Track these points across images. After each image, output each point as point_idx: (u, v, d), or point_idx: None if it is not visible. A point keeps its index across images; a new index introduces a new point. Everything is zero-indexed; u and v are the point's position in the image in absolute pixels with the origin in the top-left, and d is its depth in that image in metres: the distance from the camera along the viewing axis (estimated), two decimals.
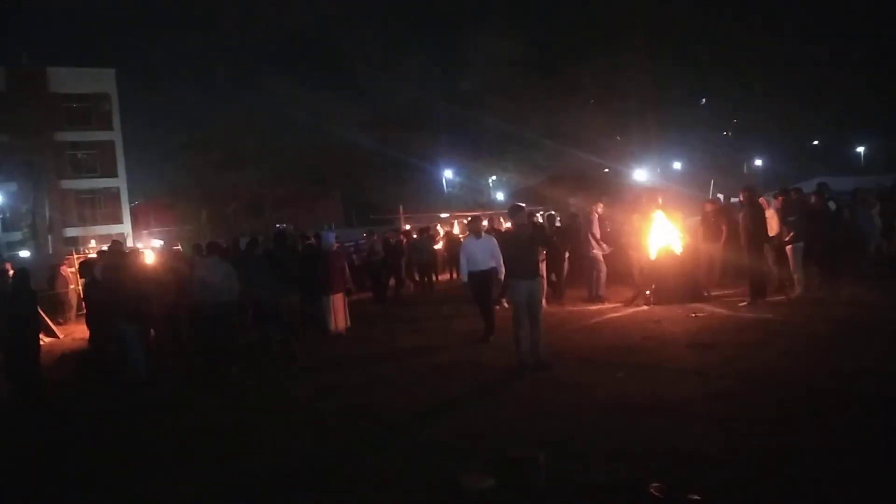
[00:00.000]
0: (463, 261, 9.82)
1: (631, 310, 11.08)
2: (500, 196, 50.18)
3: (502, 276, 9.32)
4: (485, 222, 13.23)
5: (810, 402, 5.72)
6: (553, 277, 12.53)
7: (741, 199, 11.04)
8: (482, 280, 9.53)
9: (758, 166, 49.70)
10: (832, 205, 11.15)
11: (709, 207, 12.55)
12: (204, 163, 46.24)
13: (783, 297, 10.55)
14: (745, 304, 10.31)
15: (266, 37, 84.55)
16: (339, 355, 9.75)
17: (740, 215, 10.92)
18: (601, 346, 8.64)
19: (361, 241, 20.29)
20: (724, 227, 11.74)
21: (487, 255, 9.49)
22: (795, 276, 10.71)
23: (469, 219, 10.73)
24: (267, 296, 9.54)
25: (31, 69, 42.36)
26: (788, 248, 10.71)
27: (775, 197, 11.89)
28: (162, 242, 19.24)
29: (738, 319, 9.54)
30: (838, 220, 11.19)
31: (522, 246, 7.97)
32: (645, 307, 11.07)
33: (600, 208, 12.71)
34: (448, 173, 54.59)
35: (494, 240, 9.77)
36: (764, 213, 10.80)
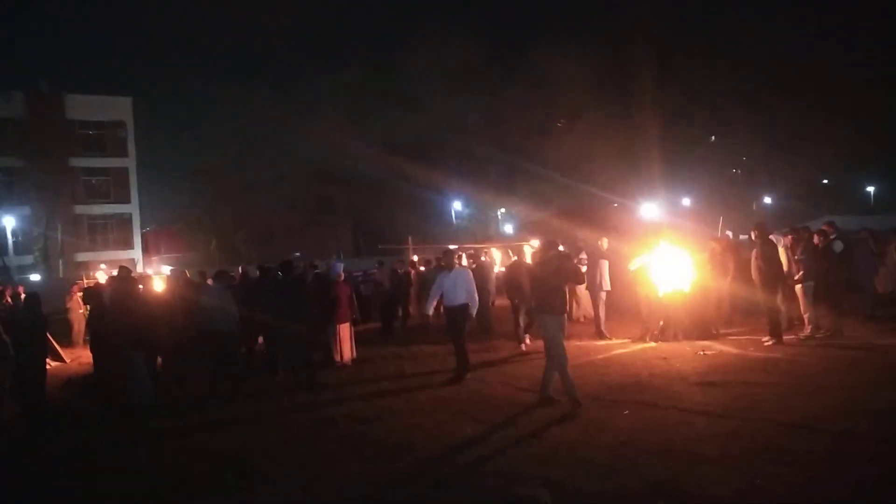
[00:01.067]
0: (433, 294, 9.63)
1: (639, 346, 11.01)
2: (508, 228, 50.26)
3: (474, 312, 9.48)
4: (494, 255, 13.15)
5: (819, 442, 5.65)
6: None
7: (753, 235, 10.95)
8: (455, 315, 9.32)
9: (767, 204, 49.64)
10: (839, 244, 11.07)
11: (714, 245, 12.50)
12: (215, 191, 46.67)
13: (793, 336, 10.47)
14: (769, 342, 10.18)
15: (278, 68, 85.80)
16: (344, 385, 9.70)
17: (752, 253, 10.84)
18: (608, 383, 8.56)
19: (371, 271, 20.32)
20: (731, 265, 11.71)
21: (461, 290, 9.30)
22: (806, 316, 10.64)
23: (445, 251, 10.73)
24: (275, 324, 9.56)
25: (48, 95, 43.14)
26: (798, 286, 10.66)
27: (784, 235, 11.87)
28: (171, 269, 19.33)
29: (746, 358, 9.45)
30: (843, 260, 11.08)
31: (551, 281, 7.71)
32: (653, 344, 10.99)
33: (606, 243, 12.65)
34: (457, 205, 54.82)
35: (469, 273, 9.73)
36: (777, 251, 10.70)
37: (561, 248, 8.43)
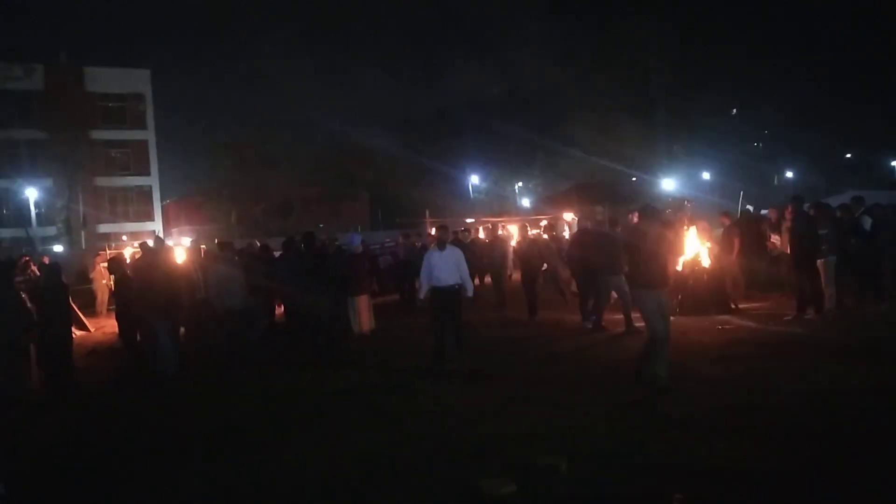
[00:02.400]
0: (423, 275, 8.86)
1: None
2: (525, 202, 50.06)
3: (470, 293, 8.84)
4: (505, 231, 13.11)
5: (837, 416, 5.66)
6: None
7: (789, 210, 10.70)
8: (446, 298, 8.59)
9: (789, 178, 49.03)
10: (867, 220, 10.91)
11: (725, 220, 12.43)
12: (234, 163, 46.84)
13: (813, 313, 10.40)
14: (789, 318, 10.11)
15: (298, 39, 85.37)
16: (363, 356, 9.83)
17: (784, 227, 10.66)
18: (626, 357, 8.59)
19: (388, 244, 20.45)
20: (735, 241, 11.61)
21: (452, 269, 8.59)
22: (827, 291, 10.54)
23: (437, 227, 9.90)
24: (296, 295, 9.66)
25: (68, 68, 43.33)
26: (820, 261, 10.53)
27: (772, 209, 11.79)
28: (192, 240, 19.51)
29: (765, 333, 9.44)
30: (871, 236, 10.93)
31: (651, 251, 6.83)
32: (671, 318, 10.97)
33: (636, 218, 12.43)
34: (474, 179, 54.61)
35: (460, 252, 9.00)
36: (813, 227, 10.37)
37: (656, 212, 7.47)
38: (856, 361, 7.46)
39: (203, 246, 16.40)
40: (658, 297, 6.85)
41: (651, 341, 6.84)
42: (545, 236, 14.89)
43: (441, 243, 8.85)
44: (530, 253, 12.87)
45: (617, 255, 8.98)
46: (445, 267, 8.59)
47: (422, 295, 9.01)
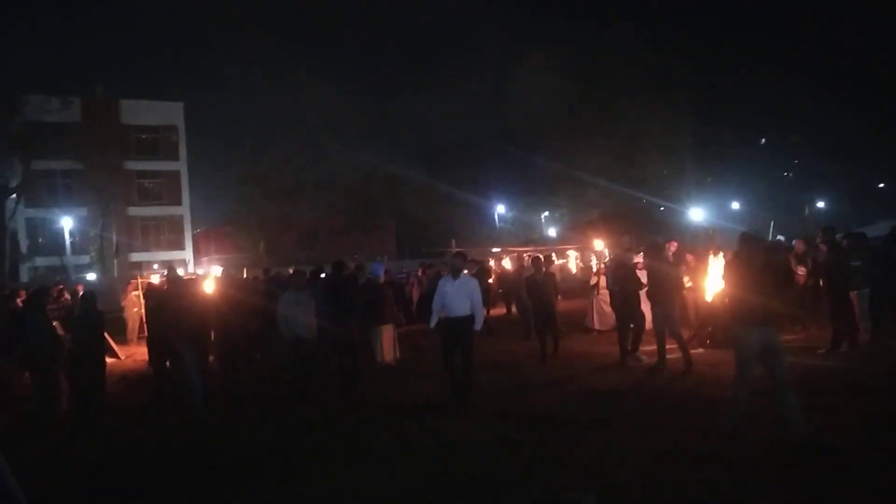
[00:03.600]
0: (435, 305, 8.53)
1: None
2: (552, 232, 49.95)
3: (478, 326, 8.38)
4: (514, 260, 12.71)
5: (870, 453, 5.50)
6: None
7: (820, 241, 10.55)
8: (458, 329, 8.19)
9: (819, 208, 48.38)
10: None
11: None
12: (262, 194, 47.51)
13: (848, 346, 10.16)
14: (822, 351, 9.87)
15: (326, 70, 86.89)
16: (389, 385, 9.80)
17: (817, 259, 10.50)
18: (655, 389, 8.49)
19: (400, 275, 20.60)
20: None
21: (464, 299, 8.24)
22: (861, 324, 10.31)
23: (454, 254, 9.55)
24: (325, 325, 9.59)
25: (104, 100, 44.56)
26: (853, 294, 10.31)
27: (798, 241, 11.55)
28: (222, 269, 19.74)
29: (799, 366, 9.21)
30: None
31: (757, 282, 6.08)
32: (700, 350, 10.81)
33: (674, 248, 12.25)
34: (501, 208, 54.73)
35: (475, 281, 8.73)
36: (848, 259, 10.16)
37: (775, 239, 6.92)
38: (887, 397, 7.26)
39: (266, 273, 16.56)
40: (762, 335, 6.04)
41: (735, 386, 6.24)
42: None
43: (455, 271, 8.52)
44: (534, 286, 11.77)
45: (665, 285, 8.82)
46: (458, 296, 8.27)
47: (432, 324, 8.69)
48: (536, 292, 11.49)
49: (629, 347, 10.44)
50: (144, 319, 13.09)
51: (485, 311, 9.54)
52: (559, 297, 12.33)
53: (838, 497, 4.76)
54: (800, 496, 4.80)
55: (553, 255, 23.23)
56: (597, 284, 13.89)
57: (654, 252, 10.36)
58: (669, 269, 10.26)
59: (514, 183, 52.31)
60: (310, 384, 9.27)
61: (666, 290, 9.87)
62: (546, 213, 52.94)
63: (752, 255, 6.31)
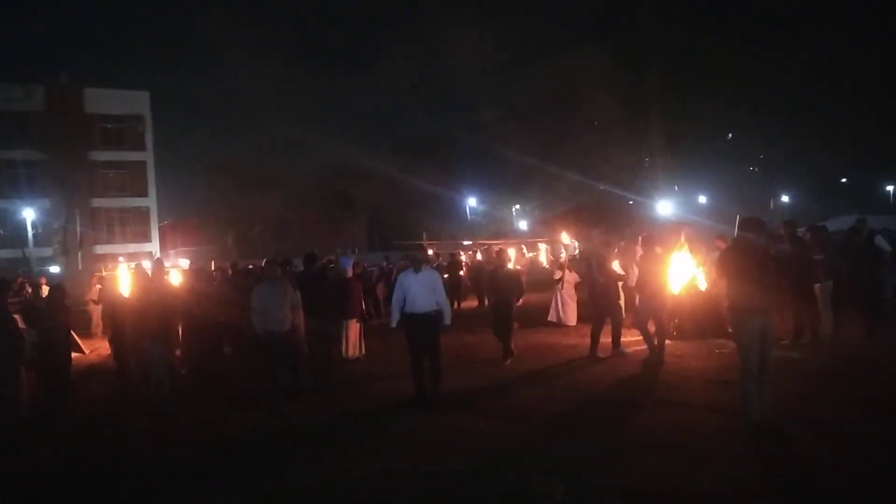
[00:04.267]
0: (396, 301, 8.08)
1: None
2: (523, 225, 50.17)
3: (448, 321, 8.00)
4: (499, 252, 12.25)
5: (835, 440, 5.63)
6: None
7: (782, 234, 10.70)
8: (422, 326, 7.83)
9: (784, 202, 49.28)
10: (880, 240, 10.77)
11: (721, 244, 12.39)
12: (231, 185, 46.97)
13: (811, 338, 10.37)
14: (785, 342, 10.03)
15: (296, 61, 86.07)
16: (355, 379, 9.77)
17: (780, 252, 10.61)
18: (623, 380, 8.59)
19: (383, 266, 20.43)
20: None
21: (429, 294, 7.84)
22: (824, 316, 10.51)
23: (413, 246, 9.17)
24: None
25: (68, 89, 43.52)
26: (817, 286, 10.51)
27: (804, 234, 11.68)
28: (189, 262, 19.46)
29: None
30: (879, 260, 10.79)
31: (758, 270, 6.01)
32: (667, 342, 10.94)
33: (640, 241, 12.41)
34: (472, 201, 54.80)
35: (437, 274, 8.33)
36: (810, 251, 10.35)
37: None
38: (849, 385, 7.44)
39: (233, 266, 16.28)
40: (763, 323, 6.00)
41: (743, 375, 6.12)
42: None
43: (417, 264, 8.09)
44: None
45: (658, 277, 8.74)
46: (421, 291, 7.84)
47: (393, 323, 8.13)
48: (495, 289, 10.80)
49: (612, 342, 10.36)
50: (105, 314, 12.83)
51: (456, 305, 9.34)
52: (523, 293, 11.61)
53: (794, 482, 4.86)
54: (761, 482, 4.89)
55: (524, 247, 23.45)
56: (561, 279, 13.86)
57: (648, 244, 10.22)
58: (662, 261, 10.16)
59: (485, 176, 52.44)
60: (283, 379, 9.11)
61: (659, 283, 9.85)
62: (517, 207, 53.16)
63: (754, 241, 6.19)
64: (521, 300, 11.24)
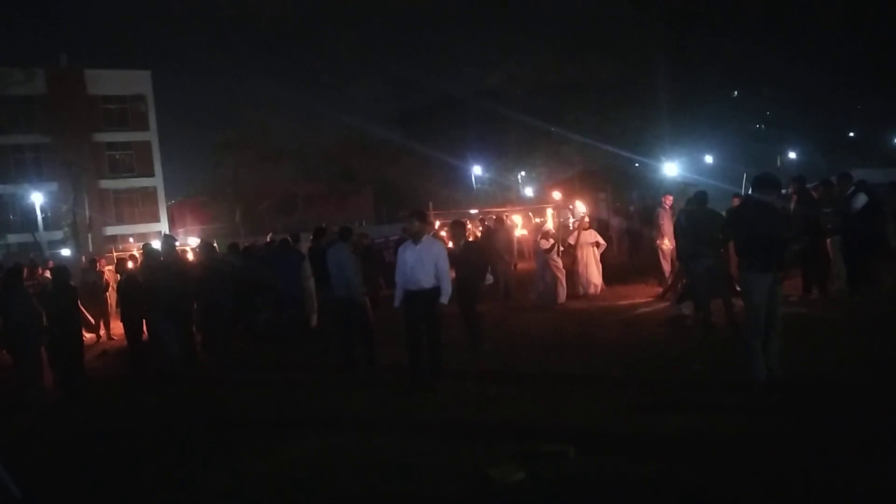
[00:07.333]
0: (398, 278, 7.34)
1: (663, 304, 11.02)
2: (529, 192, 50.00)
3: (444, 299, 7.19)
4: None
5: (840, 395, 5.70)
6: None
7: (790, 191, 10.64)
8: (421, 303, 7.11)
9: (792, 159, 48.80)
10: (863, 197, 10.70)
11: (736, 202, 12.32)
12: (237, 161, 46.99)
13: (819, 294, 10.37)
14: (793, 298, 9.93)
15: (298, 32, 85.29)
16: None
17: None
18: (635, 342, 8.65)
19: (393, 238, 20.43)
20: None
21: (429, 268, 7.06)
22: (834, 270, 10.48)
23: (410, 212, 8.05)
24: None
25: (69, 71, 43.44)
26: (828, 241, 10.43)
27: (814, 189, 11.60)
28: (199, 240, 19.51)
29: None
30: (866, 216, 10.72)
31: (765, 229, 5.91)
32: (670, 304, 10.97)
33: (669, 201, 12.49)
34: (477, 169, 54.57)
35: (441, 245, 7.50)
36: (819, 208, 10.24)
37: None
38: (862, 340, 7.49)
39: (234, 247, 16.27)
40: (771, 282, 5.98)
41: (748, 334, 6.14)
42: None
43: (416, 235, 7.24)
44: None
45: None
46: (420, 265, 7.07)
47: (397, 302, 7.43)
48: (455, 266, 8.85)
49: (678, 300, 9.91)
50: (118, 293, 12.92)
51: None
52: (486, 271, 10.88)
53: (804, 437, 4.93)
54: (770, 437, 4.97)
55: (531, 213, 23.35)
56: (552, 248, 12.60)
57: (697, 202, 9.56)
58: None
59: (490, 143, 52.07)
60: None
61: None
62: (522, 173, 52.89)
63: (766, 199, 6.12)
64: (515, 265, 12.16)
